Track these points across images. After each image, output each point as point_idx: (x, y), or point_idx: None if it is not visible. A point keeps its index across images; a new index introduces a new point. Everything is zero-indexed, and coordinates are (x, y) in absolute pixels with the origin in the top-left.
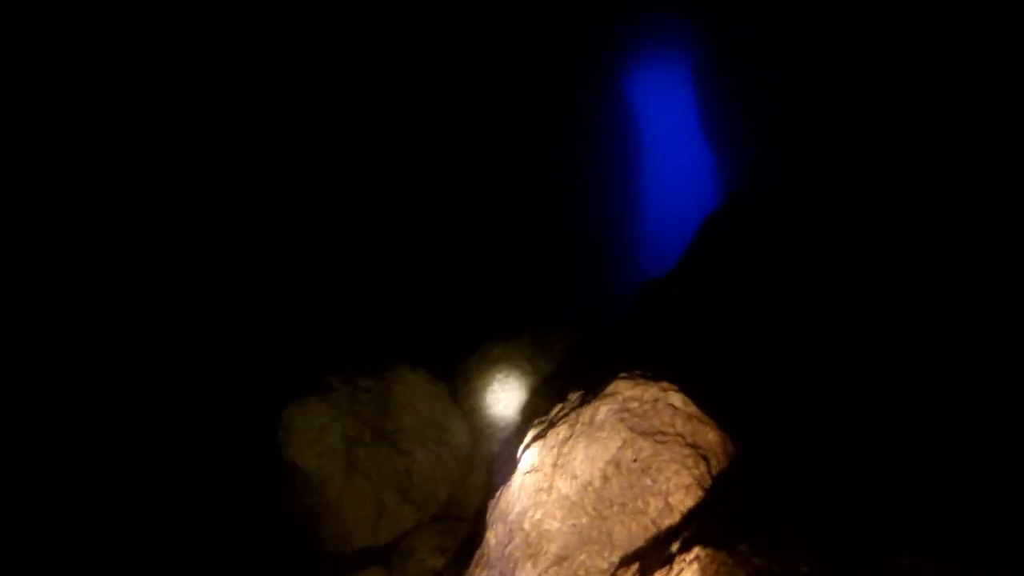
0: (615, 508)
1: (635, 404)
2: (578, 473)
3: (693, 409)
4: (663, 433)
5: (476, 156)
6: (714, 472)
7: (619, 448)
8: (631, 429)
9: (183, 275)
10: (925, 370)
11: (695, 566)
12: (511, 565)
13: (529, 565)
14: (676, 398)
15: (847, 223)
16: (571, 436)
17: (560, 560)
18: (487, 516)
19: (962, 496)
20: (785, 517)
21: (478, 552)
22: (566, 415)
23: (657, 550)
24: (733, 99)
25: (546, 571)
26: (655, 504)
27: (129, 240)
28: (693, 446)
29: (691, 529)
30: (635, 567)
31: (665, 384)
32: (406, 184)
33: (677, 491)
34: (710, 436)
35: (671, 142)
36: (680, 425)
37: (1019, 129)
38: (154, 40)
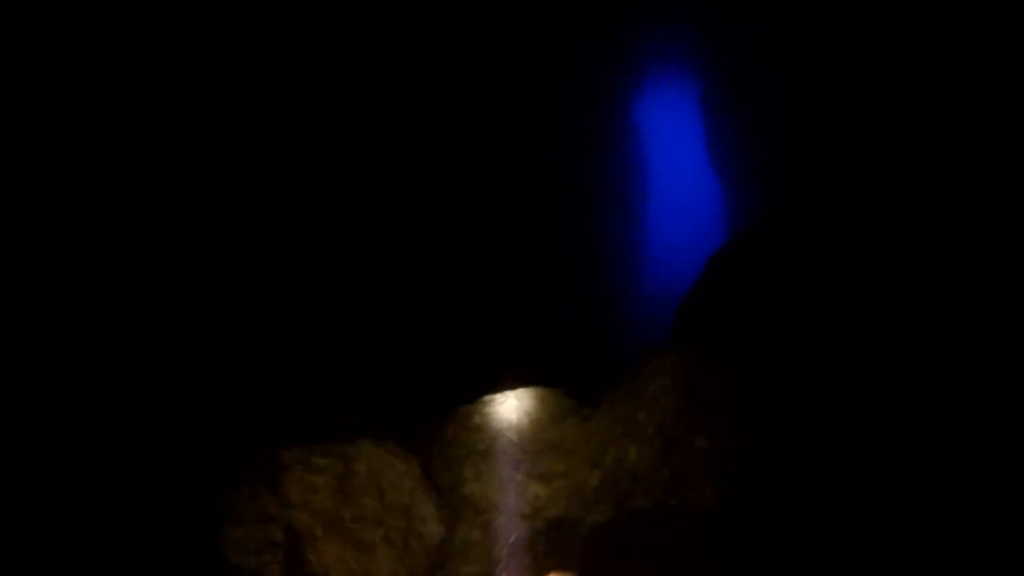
0: None
1: None
2: None
3: None
4: None
5: (476, 176)
6: None
7: None
8: None
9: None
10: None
11: None
12: None
13: None
14: None
15: (860, 255)
16: None
17: None
18: None
19: None
20: None
21: None
22: None
23: None
24: (742, 130)
25: None
26: None
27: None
28: None
29: None
30: None
31: None
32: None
33: None
34: None
35: (678, 170)
36: None
37: None
38: (139, 37)
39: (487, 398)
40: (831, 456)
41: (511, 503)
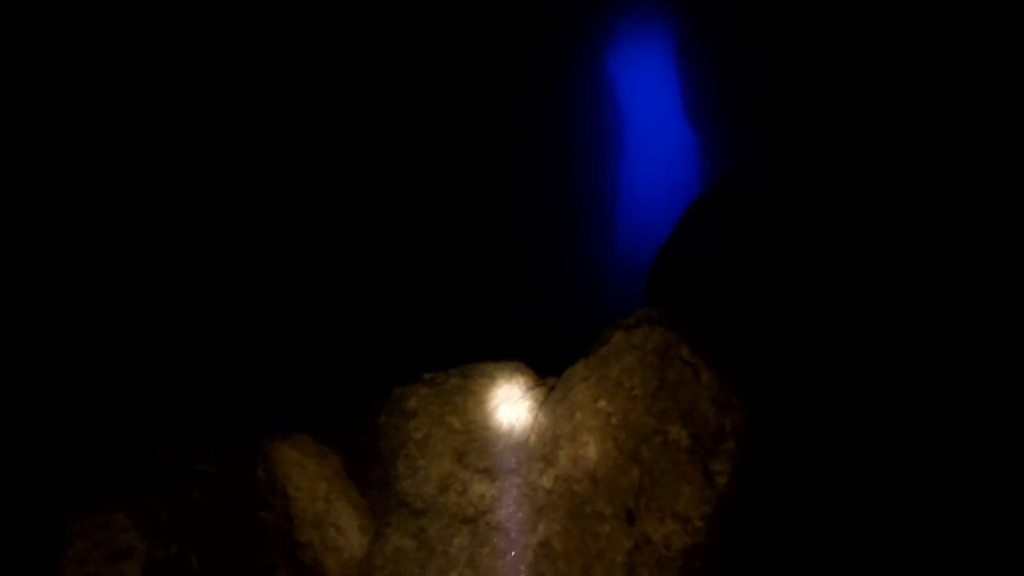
0: None
1: None
2: None
3: None
4: None
5: (446, 132)
6: None
7: None
8: None
9: None
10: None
11: None
12: None
13: None
14: None
15: (838, 209)
16: None
17: None
18: None
19: None
20: None
21: None
22: None
23: None
24: (719, 80)
25: None
26: None
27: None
28: None
29: None
30: None
31: None
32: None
33: None
34: None
35: (653, 122)
36: None
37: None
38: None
39: (427, 376)
40: (834, 445)
41: (451, 503)
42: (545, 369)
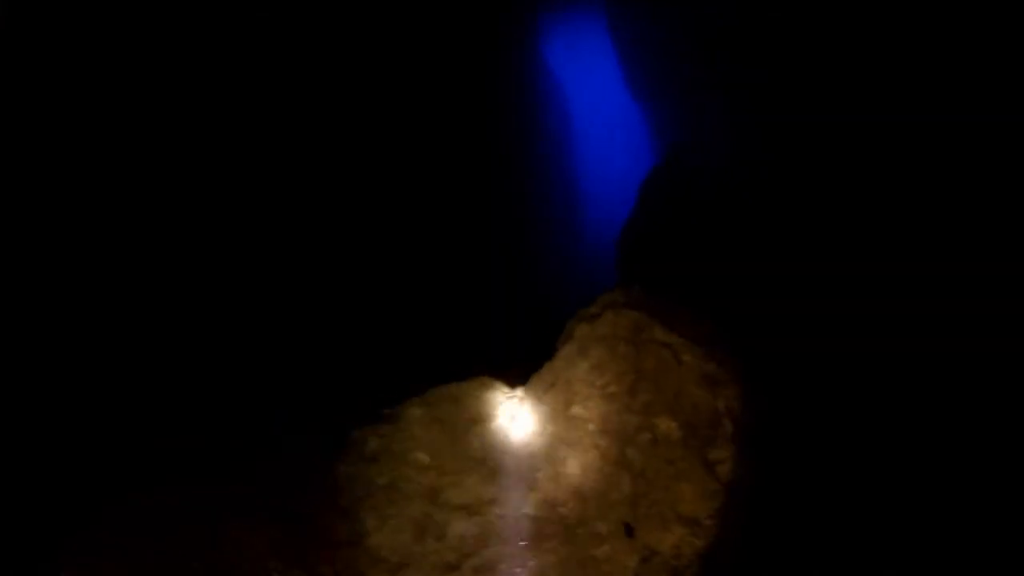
0: None
1: None
2: None
3: None
4: None
5: (386, 132)
6: None
7: None
8: None
9: None
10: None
11: None
12: None
13: None
14: None
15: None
16: None
17: None
18: None
19: None
20: None
21: None
22: None
23: None
24: (653, 50)
25: None
26: None
27: None
28: None
29: None
30: None
31: None
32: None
33: None
34: None
35: (597, 103)
36: None
37: None
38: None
39: (386, 412)
40: (837, 415)
41: (430, 552)
42: (520, 376)
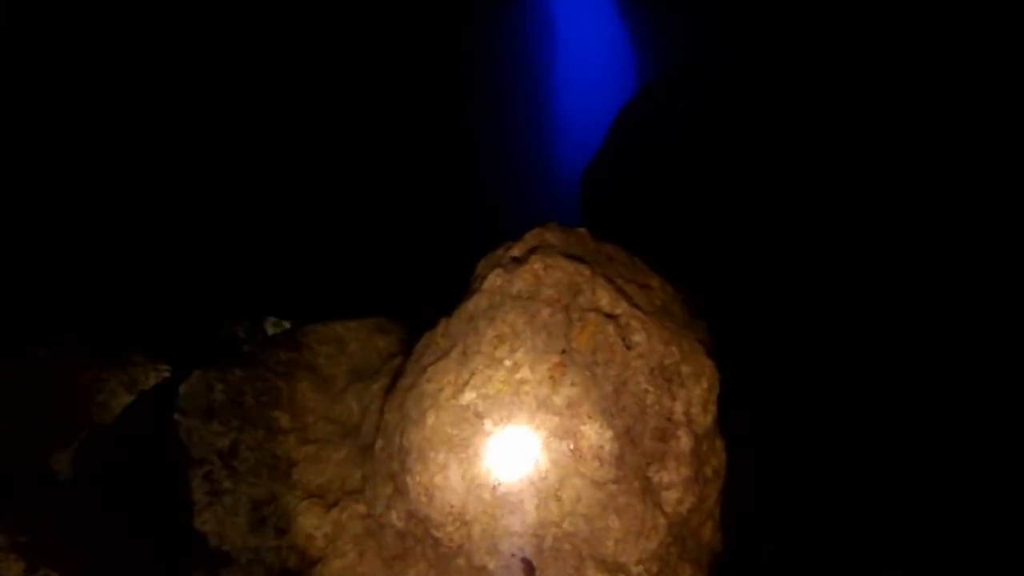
0: None
1: None
2: None
3: None
4: None
5: (369, 55)
6: None
7: None
8: None
9: None
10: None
11: None
12: None
13: None
14: None
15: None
16: None
17: None
18: None
19: None
20: None
21: None
22: None
23: None
24: None
25: None
26: None
27: None
28: None
29: None
30: None
31: None
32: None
33: None
34: None
35: (587, 34)
36: None
37: None
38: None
39: (246, 351)
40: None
41: (268, 549)
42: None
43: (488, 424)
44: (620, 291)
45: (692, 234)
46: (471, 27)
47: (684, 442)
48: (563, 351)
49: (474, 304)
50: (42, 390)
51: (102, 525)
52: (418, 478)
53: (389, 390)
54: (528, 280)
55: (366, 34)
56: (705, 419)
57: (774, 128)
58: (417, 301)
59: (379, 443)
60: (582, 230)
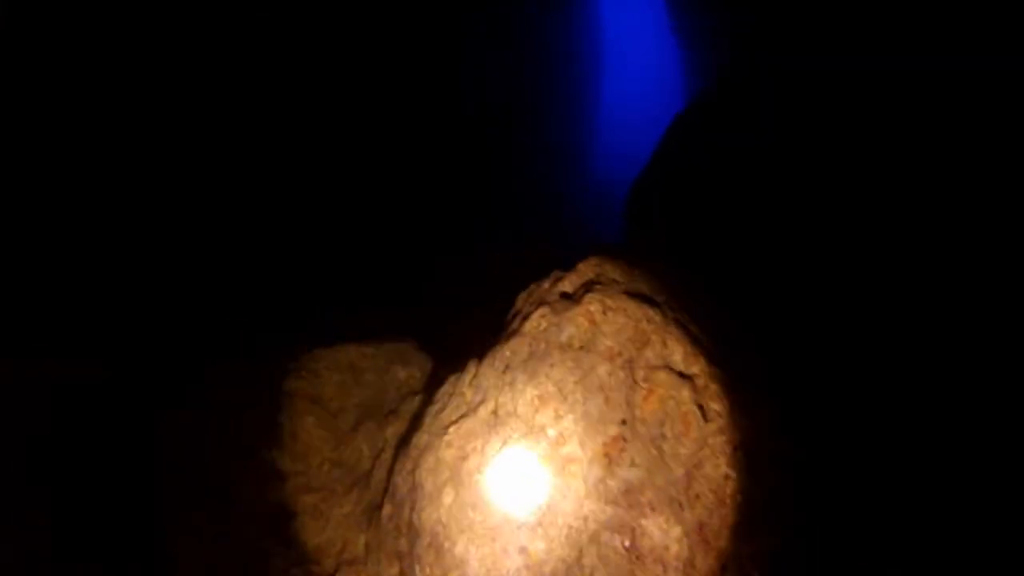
0: None
1: None
2: None
3: None
4: None
5: (404, 48)
6: None
7: None
8: None
9: None
10: None
11: None
12: None
13: None
14: None
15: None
16: None
17: None
18: None
19: None
20: None
21: None
22: None
23: None
24: None
25: None
26: None
27: None
28: None
29: None
30: None
31: None
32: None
33: None
34: None
35: (637, 37)
36: None
37: None
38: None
39: (245, 372)
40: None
41: None
42: (466, 346)
43: (522, 512)
44: (697, 342)
45: (750, 253)
46: (520, 24)
47: (768, 542)
48: (623, 421)
49: (511, 351)
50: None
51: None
52: (428, 571)
53: (403, 442)
54: (582, 326)
55: (403, 30)
56: (796, 517)
57: (835, 141)
58: (449, 312)
59: (387, 509)
60: (646, 256)
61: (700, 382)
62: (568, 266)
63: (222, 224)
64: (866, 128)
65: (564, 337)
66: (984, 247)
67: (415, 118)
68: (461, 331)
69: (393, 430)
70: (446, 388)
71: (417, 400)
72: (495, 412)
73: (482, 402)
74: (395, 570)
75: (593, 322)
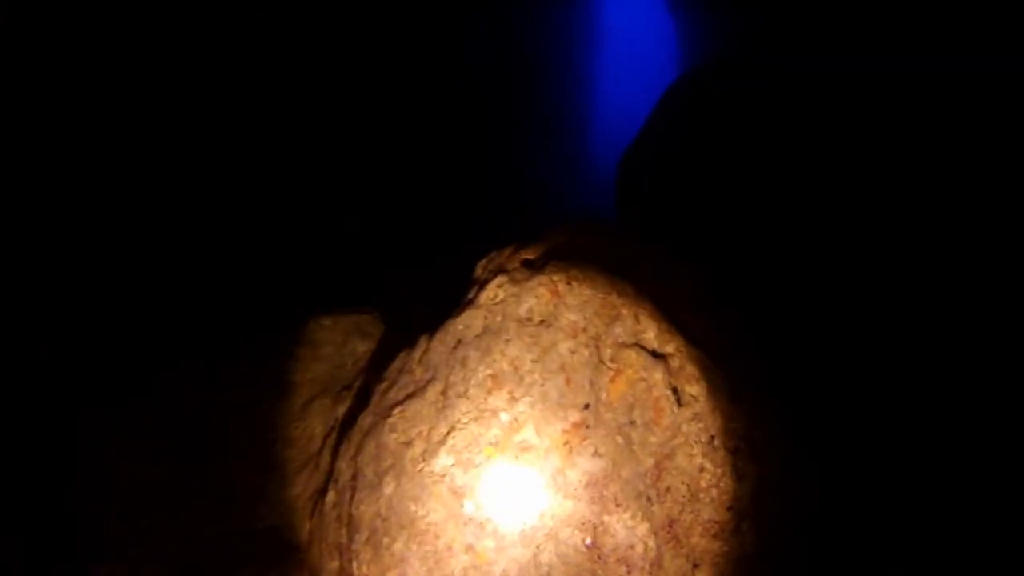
0: None
1: None
2: None
3: None
4: None
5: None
6: None
7: None
8: None
9: None
10: None
11: None
12: None
13: None
14: None
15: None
16: None
17: None
18: None
19: None
20: None
21: None
22: None
23: None
24: None
25: None
26: None
27: None
28: None
29: None
30: None
31: None
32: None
33: None
34: None
35: (629, 8)
36: None
37: None
38: None
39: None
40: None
41: None
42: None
43: (469, 506)
44: (673, 319)
45: (742, 231)
46: (514, 13)
47: (751, 541)
48: (586, 405)
49: (464, 323)
50: None
51: None
52: (365, 570)
53: (348, 422)
54: (543, 297)
55: (400, 24)
56: (781, 508)
57: (823, 117)
58: (419, 296)
59: (330, 496)
60: (623, 229)
61: (675, 363)
62: (531, 234)
63: (199, 219)
64: (865, 121)
65: (523, 310)
66: (988, 247)
67: (409, 101)
68: (422, 301)
69: (346, 406)
70: (396, 364)
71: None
72: (444, 392)
73: (431, 381)
74: (335, 564)
75: (556, 293)
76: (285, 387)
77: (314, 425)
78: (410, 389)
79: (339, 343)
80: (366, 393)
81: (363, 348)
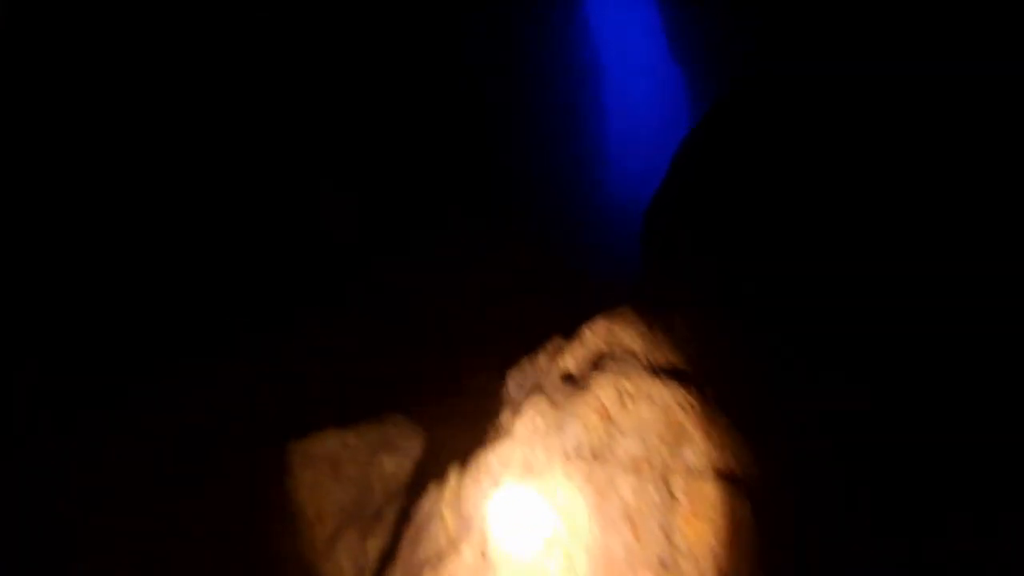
0: None
1: None
2: None
3: None
4: None
5: (412, 72)
6: None
7: None
8: None
9: None
10: None
11: None
12: None
13: None
14: None
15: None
16: None
17: None
18: None
19: None
20: None
21: None
22: None
23: None
24: (705, 12)
25: None
26: None
27: None
28: None
29: None
30: None
31: None
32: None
33: None
34: None
35: (634, 58)
36: None
37: None
38: None
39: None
40: None
41: None
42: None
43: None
44: (742, 430)
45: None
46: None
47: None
48: (661, 562)
49: (500, 460)
50: None
51: None
52: None
53: (387, 560)
54: (593, 425)
55: (399, 30)
56: None
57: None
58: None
59: None
60: (660, 298)
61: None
62: (570, 332)
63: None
64: (887, 134)
65: (569, 443)
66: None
67: (417, 116)
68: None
69: (376, 543)
70: (424, 503)
71: (403, 503)
72: (484, 554)
73: (464, 535)
74: None
75: (607, 417)
76: (310, 517)
77: (342, 563)
78: (441, 543)
79: (364, 462)
80: (395, 536)
81: (391, 466)
